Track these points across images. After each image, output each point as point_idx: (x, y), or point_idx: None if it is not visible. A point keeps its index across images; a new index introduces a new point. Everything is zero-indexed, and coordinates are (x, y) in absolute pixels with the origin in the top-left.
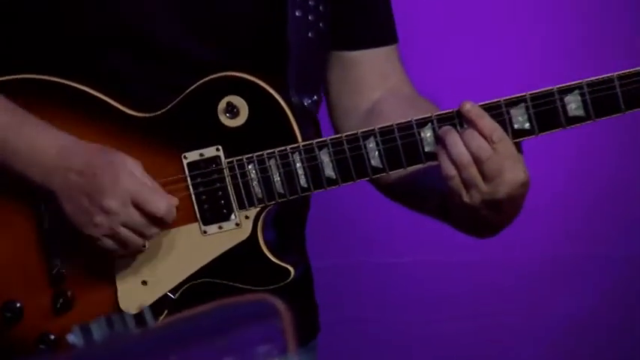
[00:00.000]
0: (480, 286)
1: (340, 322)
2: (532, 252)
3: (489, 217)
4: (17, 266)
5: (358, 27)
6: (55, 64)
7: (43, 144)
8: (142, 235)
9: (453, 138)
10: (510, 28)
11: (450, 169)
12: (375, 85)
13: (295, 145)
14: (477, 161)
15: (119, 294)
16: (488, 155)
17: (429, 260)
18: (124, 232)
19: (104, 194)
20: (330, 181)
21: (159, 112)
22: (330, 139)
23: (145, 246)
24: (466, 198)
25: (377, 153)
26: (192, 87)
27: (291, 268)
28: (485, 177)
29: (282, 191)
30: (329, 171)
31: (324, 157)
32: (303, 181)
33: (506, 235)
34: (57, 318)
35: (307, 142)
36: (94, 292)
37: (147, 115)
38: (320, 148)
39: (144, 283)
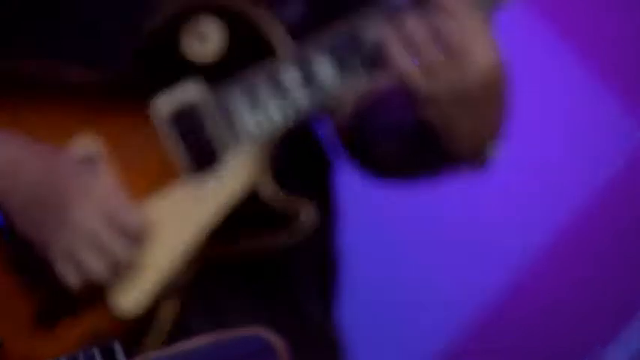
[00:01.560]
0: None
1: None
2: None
3: (462, 119)
4: None
5: None
6: None
7: None
8: (110, 256)
9: (406, 17)
10: None
11: (401, 60)
12: None
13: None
14: (439, 39)
15: (114, 294)
16: (452, 32)
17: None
18: (86, 254)
19: (69, 205)
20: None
21: (112, 72)
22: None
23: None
24: (428, 87)
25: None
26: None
27: (306, 201)
28: (450, 56)
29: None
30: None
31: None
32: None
33: None
34: (40, 339)
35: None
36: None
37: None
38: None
39: (141, 270)
